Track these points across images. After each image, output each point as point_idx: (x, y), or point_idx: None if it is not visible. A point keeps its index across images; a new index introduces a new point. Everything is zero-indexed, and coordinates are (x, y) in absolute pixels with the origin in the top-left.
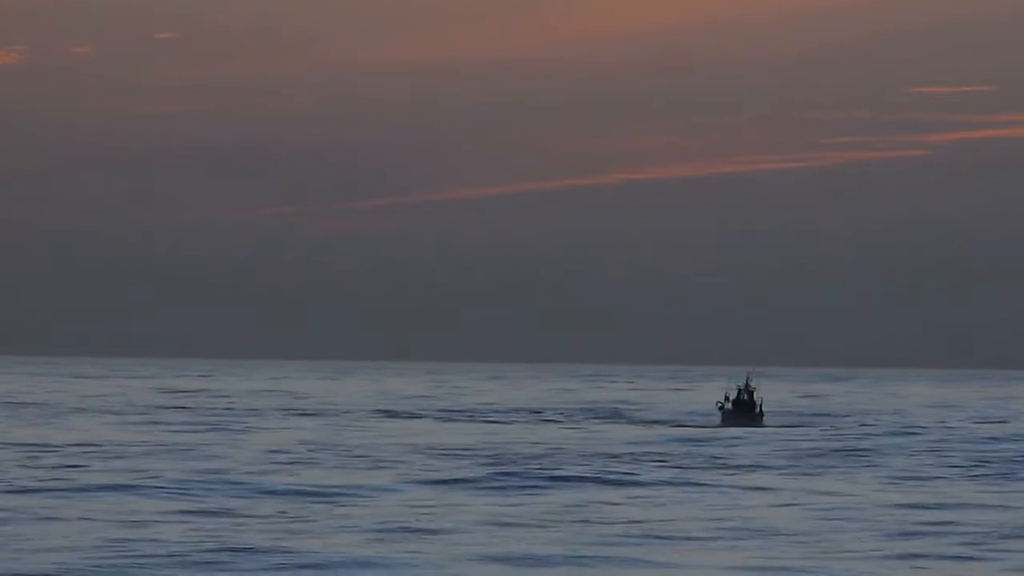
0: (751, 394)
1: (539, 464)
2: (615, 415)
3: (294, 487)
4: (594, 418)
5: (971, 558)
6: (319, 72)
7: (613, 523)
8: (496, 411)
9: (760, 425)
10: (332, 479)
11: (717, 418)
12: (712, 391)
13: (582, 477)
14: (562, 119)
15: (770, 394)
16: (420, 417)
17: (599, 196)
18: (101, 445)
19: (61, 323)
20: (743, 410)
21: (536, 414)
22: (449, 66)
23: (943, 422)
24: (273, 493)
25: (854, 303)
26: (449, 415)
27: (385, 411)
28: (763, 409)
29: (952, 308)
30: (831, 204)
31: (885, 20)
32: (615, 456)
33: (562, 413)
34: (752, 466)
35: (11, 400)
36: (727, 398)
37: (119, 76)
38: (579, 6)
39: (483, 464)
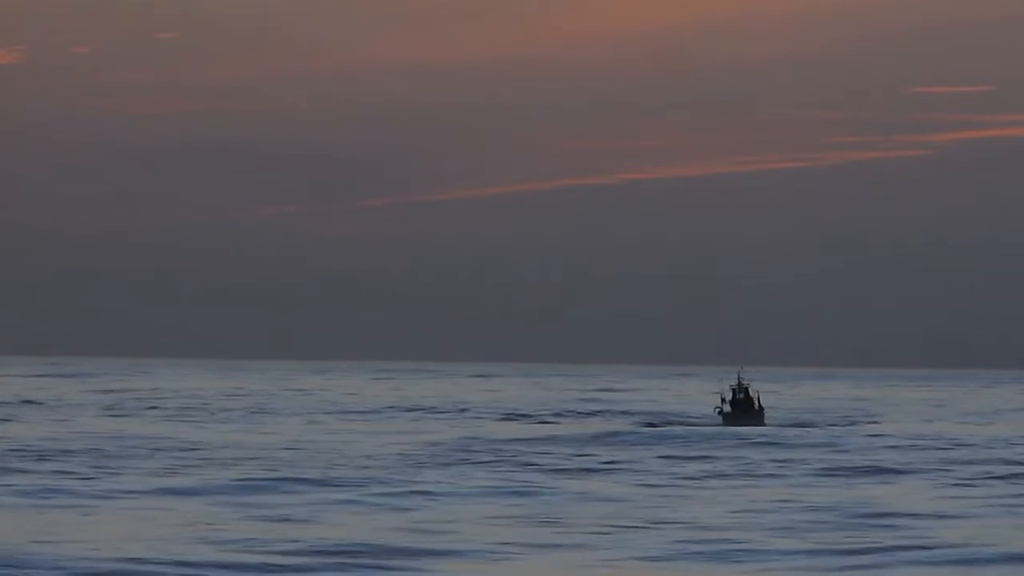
0: (746, 391)
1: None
2: (624, 414)
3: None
4: (606, 417)
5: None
6: (319, 72)
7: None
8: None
9: (762, 423)
10: None
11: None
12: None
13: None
14: (562, 119)
15: (769, 394)
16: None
17: (599, 196)
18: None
19: (60, 323)
20: (743, 409)
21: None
22: (449, 66)
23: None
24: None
25: (854, 303)
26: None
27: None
28: (762, 406)
29: (952, 308)
30: (831, 204)
31: (885, 20)
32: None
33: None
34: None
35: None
36: (723, 399)
37: (119, 76)
38: (579, 6)
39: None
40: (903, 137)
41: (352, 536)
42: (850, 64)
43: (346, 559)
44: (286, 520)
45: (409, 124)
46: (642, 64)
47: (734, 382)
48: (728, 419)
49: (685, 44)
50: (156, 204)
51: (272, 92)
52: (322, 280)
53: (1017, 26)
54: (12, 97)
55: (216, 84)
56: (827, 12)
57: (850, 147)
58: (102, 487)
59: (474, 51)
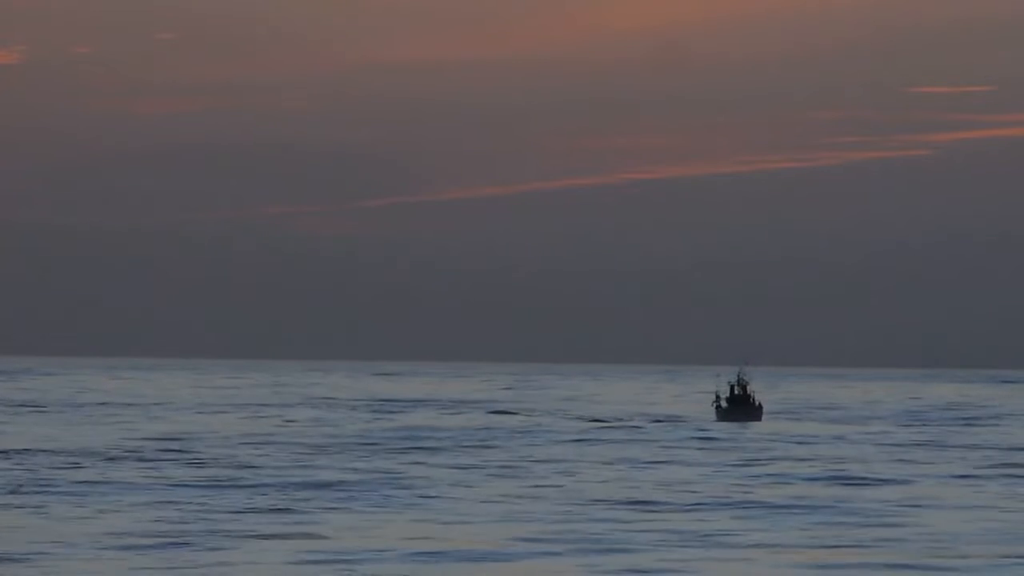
0: (744, 388)
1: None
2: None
3: None
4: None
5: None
6: (319, 72)
7: None
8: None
9: (758, 419)
10: None
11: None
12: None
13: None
14: (562, 119)
15: (770, 392)
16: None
17: (600, 196)
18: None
19: (56, 322)
20: (740, 405)
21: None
22: (450, 66)
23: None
24: None
25: (854, 302)
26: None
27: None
28: (760, 403)
29: (952, 307)
30: (831, 204)
31: (886, 20)
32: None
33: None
34: None
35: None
36: (718, 396)
37: (119, 76)
38: (579, 6)
39: None
40: (903, 137)
41: None
42: (850, 64)
43: None
44: None
45: (409, 124)
46: (642, 64)
47: (734, 379)
48: (723, 414)
49: (686, 45)
50: (156, 204)
51: (272, 92)
52: (321, 280)
53: (1017, 26)
54: (12, 97)
55: (216, 84)
56: (828, 12)
57: (850, 147)
58: None
59: (475, 51)
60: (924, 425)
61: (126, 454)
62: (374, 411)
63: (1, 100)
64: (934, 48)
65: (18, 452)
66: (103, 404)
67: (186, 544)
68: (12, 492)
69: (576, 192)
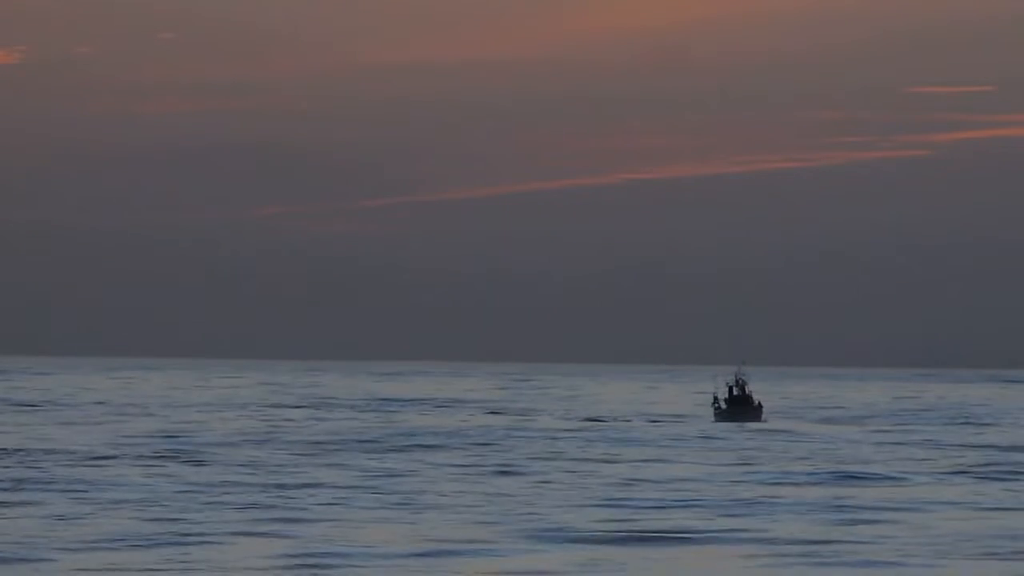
0: (743, 388)
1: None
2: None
3: None
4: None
5: None
6: (319, 72)
7: None
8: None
9: (759, 419)
10: None
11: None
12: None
13: None
14: (562, 119)
15: (770, 392)
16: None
17: (600, 196)
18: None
19: (57, 322)
20: (740, 405)
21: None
22: (450, 66)
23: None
24: None
25: (854, 302)
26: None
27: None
28: (760, 403)
29: (953, 307)
30: (831, 204)
31: (886, 20)
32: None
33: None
34: None
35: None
36: (716, 398)
37: (119, 76)
38: (579, 6)
39: None
40: (903, 137)
41: None
42: (850, 64)
43: None
44: None
45: (409, 124)
46: (642, 64)
47: (731, 379)
48: (722, 415)
49: (686, 44)
50: (155, 204)
51: (272, 92)
52: (321, 280)
53: (1017, 26)
54: (12, 97)
55: (216, 84)
56: (827, 12)
57: (850, 147)
58: None
59: (474, 51)
60: (923, 424)
61: (124, 453)
62: (373, 410)
63: (1, 100)
64: (934, 48)
65: (17, 451)
66: (102, 403)
67: (183, 542)
68: (10, 491)
69: (576, 192)
